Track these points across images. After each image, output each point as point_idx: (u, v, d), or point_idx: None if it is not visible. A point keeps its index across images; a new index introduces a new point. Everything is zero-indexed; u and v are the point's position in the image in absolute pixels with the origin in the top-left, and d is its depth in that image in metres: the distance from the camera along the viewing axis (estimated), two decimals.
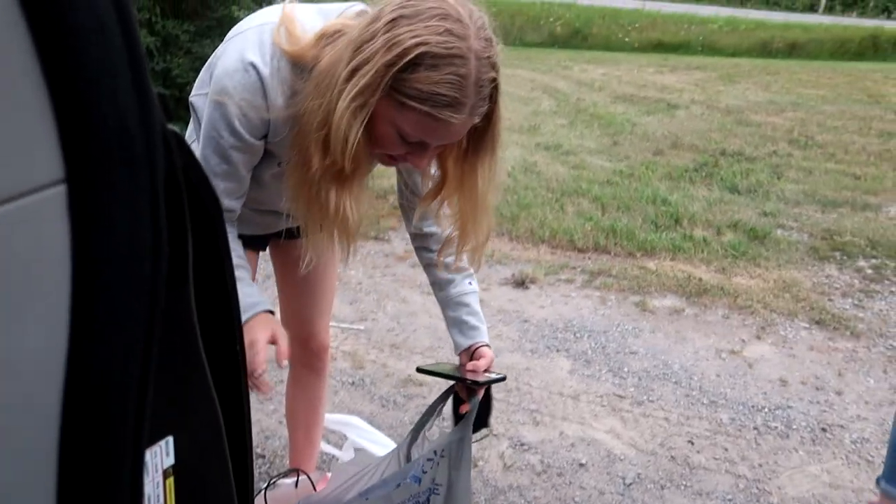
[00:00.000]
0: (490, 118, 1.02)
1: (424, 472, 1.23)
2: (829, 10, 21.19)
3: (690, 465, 2.11)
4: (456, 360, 1.37)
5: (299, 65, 1.02)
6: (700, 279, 3.31)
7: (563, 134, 6.17)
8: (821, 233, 3.95)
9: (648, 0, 18.54)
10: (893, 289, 3.32)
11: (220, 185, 1.11)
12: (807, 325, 2.96)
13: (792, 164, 5.35)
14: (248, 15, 1.13)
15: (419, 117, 0.94)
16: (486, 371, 1.29)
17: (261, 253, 1.51)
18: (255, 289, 1.19)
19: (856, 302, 3.18)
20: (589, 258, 3.56)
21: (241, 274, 1.17)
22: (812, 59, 12.80)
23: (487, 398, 1.29)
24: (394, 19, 0.92)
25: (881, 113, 7.35)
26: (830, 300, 3.18)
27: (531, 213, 4.04)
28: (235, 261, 1.14)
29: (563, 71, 10.09)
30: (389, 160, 1.07)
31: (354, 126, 0.95)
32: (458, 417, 1.29)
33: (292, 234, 1.42)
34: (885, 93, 8.67)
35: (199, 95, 1.17)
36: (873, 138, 6.27)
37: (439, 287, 1.35)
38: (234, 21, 4.76)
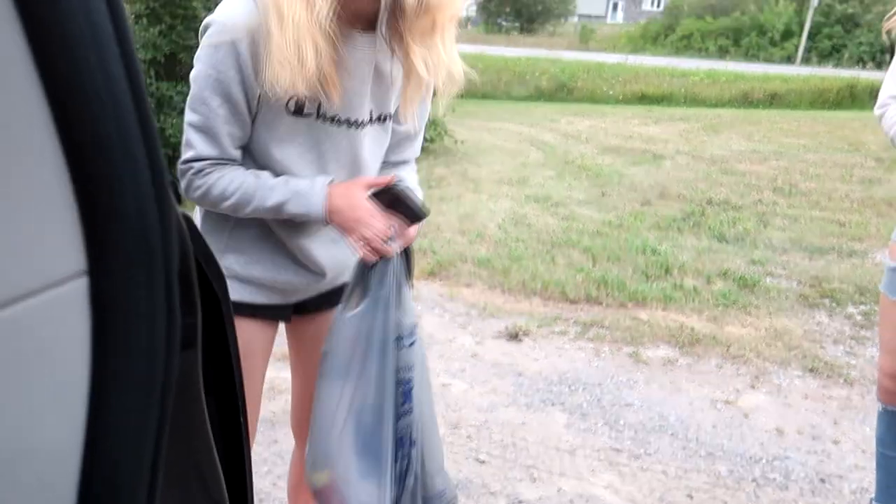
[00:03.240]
0: None
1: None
2: (807, 61, 21.87)
3: None
4: None
5: None
6: (692, 329, 3.33)
7: (552, 185, 6.26)
8: (809, 280, 3.99)
9: (631, 54, 19.09)
10: None
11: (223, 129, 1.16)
12: (800, 374, 2.97)
13: (777, 212, 5.44)
14: None
15: None
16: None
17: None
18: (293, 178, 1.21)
19: (847, 349, 3.20)
20: (581, 309, 3.57)
21: (270, 180, 1.20)
22: (792, 109, 13.13)
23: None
24: None
25: (861, 160, 7.51)
26: (822, 348, 3.20)
27: (522, 266, 4.07)
28: (258, 175, 1.20)
29: (550, 124, 10.29)
30: None
31: None
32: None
33: (312, 307, 1.40)
34: (865, 140, 8.88)
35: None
36: (856, 185, 6.40)
37: None
38: None
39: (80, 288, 0.35)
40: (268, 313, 1.35)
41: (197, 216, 1.33)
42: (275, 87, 1.09)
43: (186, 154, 1.19)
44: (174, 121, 4.67)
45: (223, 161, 1.19)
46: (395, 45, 1.16)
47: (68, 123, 0.36)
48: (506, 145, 8.27)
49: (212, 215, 1.29)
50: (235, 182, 1.18)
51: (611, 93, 14.11)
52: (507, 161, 7.32)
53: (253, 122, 1.18)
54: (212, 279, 0.58)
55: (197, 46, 1.15)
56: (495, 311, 3.51)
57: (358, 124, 1.23)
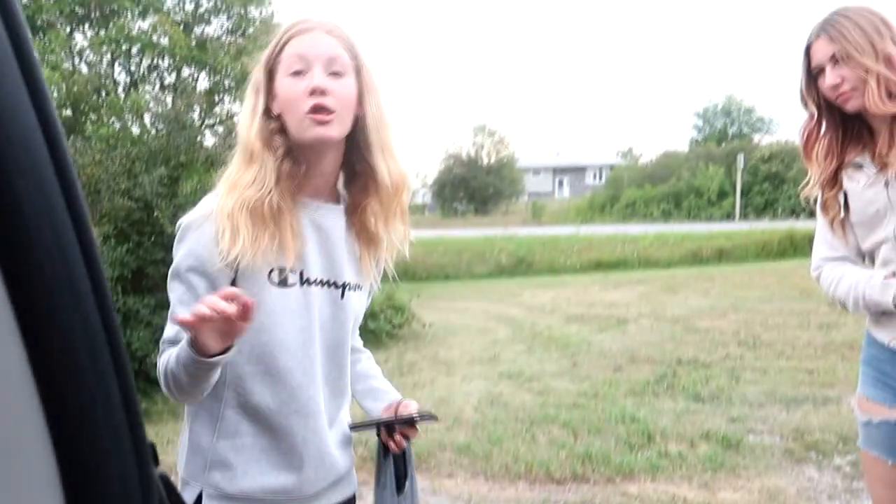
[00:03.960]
0: (360, 72, 1.25)
1: None
2: (745, 217, 23.32)
3: None
4: None
5: None
6: (685, 499, 3.22)
7: (524, 360, 6.28)
8: (791, 433, 3.96)
9: (581, 225, 20.14)
10: None
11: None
12: None
13: (746, 366, 5.51)
14: None
15: (290, 44, 1.21)
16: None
17: None
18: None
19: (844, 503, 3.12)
20: (569, 490, 3.44)
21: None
22: (740, 263, 13.78)
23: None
24: None
25: (815, 306, 7.78)
26: None
27: (503, 448, 3.97)
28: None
29: (514, 298, 10.54)
30: (314, 119, 1.19)
31: (255, 108, 1.22)
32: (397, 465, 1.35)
33: None
34: (814, 287, 9.19)
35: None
36: (815, 332, 6.58)
37: None
38: None
39: None
40: None
41: (183, 438, 1.30)
42: (241, 258, 1.17)
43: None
44: (141, 333, 4.66)
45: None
46: (357, 217, 1.30)
47: (52, 390, 0.39)
48: (473, 324, 8.38)
49: (194, 435, 1.26)
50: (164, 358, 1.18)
51: (568, 263, 14.68)
52: (477, 340, 7.38)
53: None
54: None
55: (164, 260, 1.22)
56: (481, 502, 3.36)
57: (339, 286, 1.28)
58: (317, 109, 1.18)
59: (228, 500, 1.23)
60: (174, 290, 1.20)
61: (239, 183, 1.19)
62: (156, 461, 0.55)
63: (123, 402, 0.43)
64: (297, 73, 1.20)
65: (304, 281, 1.24)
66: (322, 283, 1.26)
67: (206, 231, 1.19)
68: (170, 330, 1.20)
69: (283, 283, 1.22)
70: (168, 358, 1.16)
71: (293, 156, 1.22)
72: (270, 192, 1.18)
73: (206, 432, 1.25)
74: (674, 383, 5.11)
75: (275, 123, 1.22)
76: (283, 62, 1.21)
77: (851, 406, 1.91)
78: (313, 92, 1.18)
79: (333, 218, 1.28)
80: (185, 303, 1.17)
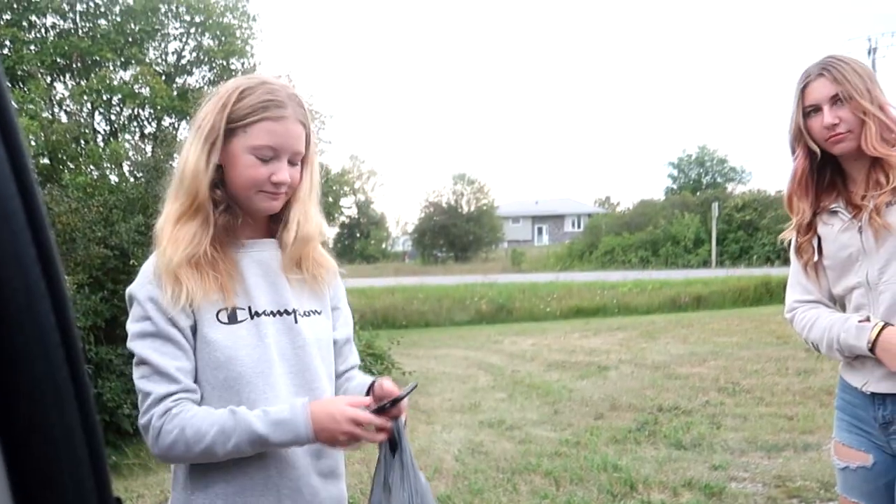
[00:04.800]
0: (308, 140, 1.30)
1: None
2: (721, 264, 23.64)
3: None
4: None
5: None
6: None
7: (505, 408, 6.22)
8: (773, 480, 3.94)
9: (560, 272, 20.27)
10: None
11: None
12: None
13: (727, 412, 5.50)
14: None
15: (261, 126, 1.22)
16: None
17: None
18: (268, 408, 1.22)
19: None
20: None
21: (241, 412, 1.20)
22: (717, 309, 13.90)
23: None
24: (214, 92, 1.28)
25: (792, 352, 7.84)
26: None
27: (484, 499, 3.89)
28: (222, 416, 1.20)
29: (495, 345, 10.49)
30: (267, 195, 1.26)
31: (208, 162, 1.23)
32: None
33: None
34: (790, 333, 9.31)
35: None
36: (793, 378, 6.62)
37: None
38: None
39: None
40: None
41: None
42: (190, 304, 1.22)
43: (144, 405, 1.21)
44: (112, 384, 4.56)
45: (186, 394, 1.21)
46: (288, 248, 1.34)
47: (16, 443, 0.38)
48: (454, 371, 8.31)
49: (176, 493, 1.27)
50: (210, 419, 1.19)
51: (548, 310, 14.70)
52: (457, 387, 7.31)
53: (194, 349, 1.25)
54: None
55: None
56: None
57: (289, 313, 1.30)
58: (273, 192, 1.26)
59: None
60: (148, 347, 1.22)
61: (179, 238, 1.24)
62: None
63: (90, 456, 0.42)
64: (264, 160, 1.24)
65: (253, 314, 1.27)
66: (272, 313, 1.29)
67: (153, 290, 1.23)
68: (162, 386, 1.20)
69: (232, 320, 1.25)
70: (214, 424, 1.18)
71: (231, 209, 1.27)
72: (207, 245, 1.24)
73: (181, 488, 1.27)
74: (655, 431, 5.08)
75: (217, 175, 1.26)
76: (252, 138, 1.23)
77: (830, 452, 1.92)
78: (276, 182, 1.25)
79: (271, 250, 1.33)
80: (167, 354, 1.21)
